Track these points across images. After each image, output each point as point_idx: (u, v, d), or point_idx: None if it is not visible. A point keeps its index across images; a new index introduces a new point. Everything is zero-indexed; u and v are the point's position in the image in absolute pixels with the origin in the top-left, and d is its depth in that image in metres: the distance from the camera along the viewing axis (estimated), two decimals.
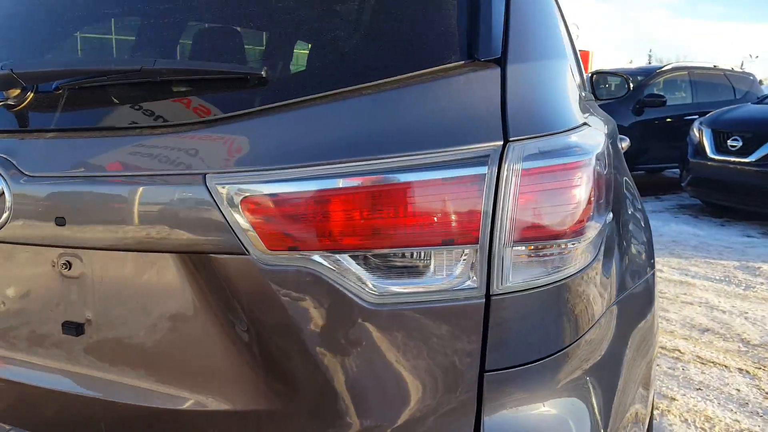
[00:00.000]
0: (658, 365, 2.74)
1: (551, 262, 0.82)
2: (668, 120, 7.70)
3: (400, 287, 0.80)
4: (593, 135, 0.95)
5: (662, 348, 2.94)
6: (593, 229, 0.85)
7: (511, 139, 0.79)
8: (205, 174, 0.83)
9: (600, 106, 7.98)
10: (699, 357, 2.85)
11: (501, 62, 0.85)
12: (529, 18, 0.95)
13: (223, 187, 0.82)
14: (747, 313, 3.44)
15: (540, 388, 0.84)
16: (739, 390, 2.54)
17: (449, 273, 0.79)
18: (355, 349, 0.82)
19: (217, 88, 0.91)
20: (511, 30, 0.89)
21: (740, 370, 2.72)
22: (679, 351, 2.91)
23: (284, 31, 0.99)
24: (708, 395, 2.50)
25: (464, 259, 0.79)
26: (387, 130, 0.81)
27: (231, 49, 1.03)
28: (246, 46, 1.05)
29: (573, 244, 0.82)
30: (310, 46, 0.97)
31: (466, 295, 0.79)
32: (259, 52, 1.06)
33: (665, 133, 7.59)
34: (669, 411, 2.36)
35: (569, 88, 1.00)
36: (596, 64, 34.29)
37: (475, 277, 0.79)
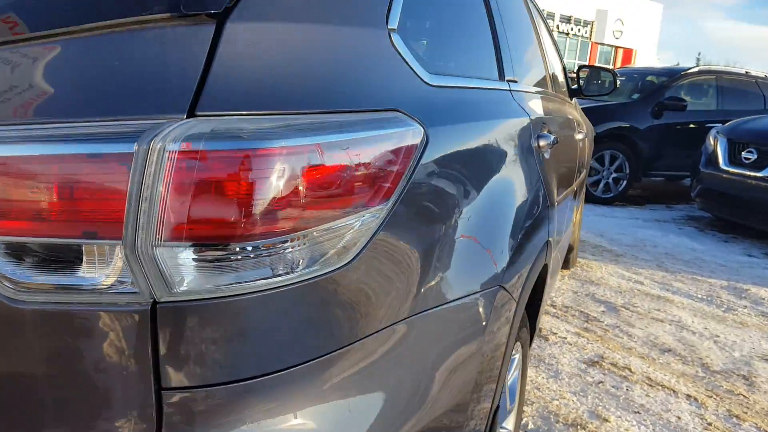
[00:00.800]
0: (601, 381, 2.60)
1: (252, 265, 0.68)
2: (690, 126, 7.38)
3: (44, 283, 0.67)
4: (387, 122, 0.82)
5: (612, 365, 2.78)
6: (304, 228, 0.71)
7: (198, 114, 0.66)
8: None
9: (617, 106, 7.68)
10: (649, 378, 2.69)
11: (220, 19, 0.70)
12: None
13: None
14: (718, 336, 3.24)
15: (251, 411, 0.71)
16: (679, 417, 2.38)
17: (101, 272, 0.66)
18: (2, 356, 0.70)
19: None
20: None
21: (689, 396, 2.55)
22: (629, 370, 2.75)
23: None
24: (644, 420, 2.34)
25: (115, 258, 0.66)
26: (34, 93, 0.68)
27: None
28: None
29: (283, 244, 0.69)
30: None
31: (128, 300, 0.66)
32: None
33: (685, 140, 7.27)
34: None
35: (368, 63, 0.86)
36: (640, 64, 33.35)
37: (133, 281, 0.66)
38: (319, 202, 0.72)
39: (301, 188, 0.69)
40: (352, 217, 0.76)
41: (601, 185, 7.13)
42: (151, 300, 0.66)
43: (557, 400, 2.44)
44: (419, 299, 0.89)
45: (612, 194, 7.12)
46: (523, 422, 2.25)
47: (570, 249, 3.98)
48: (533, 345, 2.94)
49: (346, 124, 0.77)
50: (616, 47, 35.57)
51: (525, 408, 2.35)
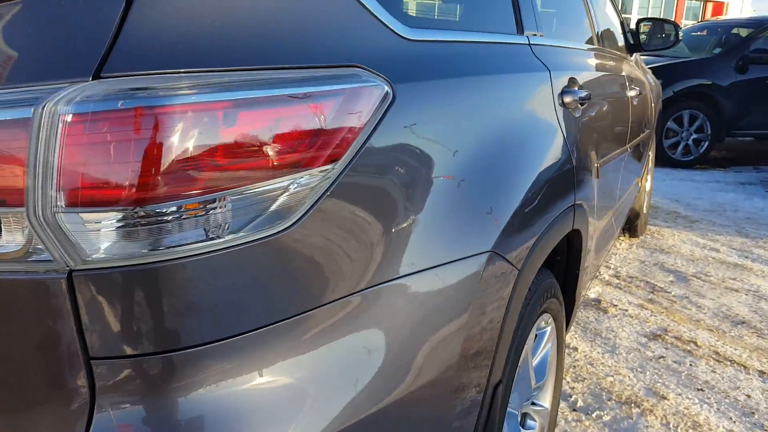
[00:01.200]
0: (662, 356, 2.42)
1: (169, 230, 0.65)
2: None
3: None
4: (336, 79, 0.76)
5: (676, 339, 2.59)
6: (219, 191, 0.67)
7: (103, 75, 0.63)
8: None
9: (696, 62, 7.15)
10: (717, 353, 2.48)
11: None
12: None
13: None
14: None
15: (197, 378, 0.69)
16: (749, 396, 2.18)
17: (17, 240, 0.65)
18: None
19: None
20: None
21: (762, 373, 2.34)
22: (695, 344, 2.55)
23: None
24: (708, 398, 2.16)
25: (25, 225, 0.64)
26: None
27: None
28: None
29: (197, 208, 0.65)
30: None
31: (46, 268, 0.65)
32: None
33: None
34: (651, 411, 2.07)
35: (321, 16, 0.81)
36: (732, 15, 30.94)
37: (46, 248, 0.64)
38: (234, 162, 0.67)
39: (210, 149, 0.65)
40: (284, 179, 0.70)
41: (680, 147, 6.67)
42: (68, 268, 0.64)
43: (611, 376, 2.29)
44: (384, 267, 0.83)
45: (692, 157, 6.66)
46: (571, 400, 2.13)
47: (636, 216, 3.74)
48: (590, 318, 2.78)
49: (279, 80, 0.71)
50: (706, 1, 33.10)
51: (575, 384, 2.22)
